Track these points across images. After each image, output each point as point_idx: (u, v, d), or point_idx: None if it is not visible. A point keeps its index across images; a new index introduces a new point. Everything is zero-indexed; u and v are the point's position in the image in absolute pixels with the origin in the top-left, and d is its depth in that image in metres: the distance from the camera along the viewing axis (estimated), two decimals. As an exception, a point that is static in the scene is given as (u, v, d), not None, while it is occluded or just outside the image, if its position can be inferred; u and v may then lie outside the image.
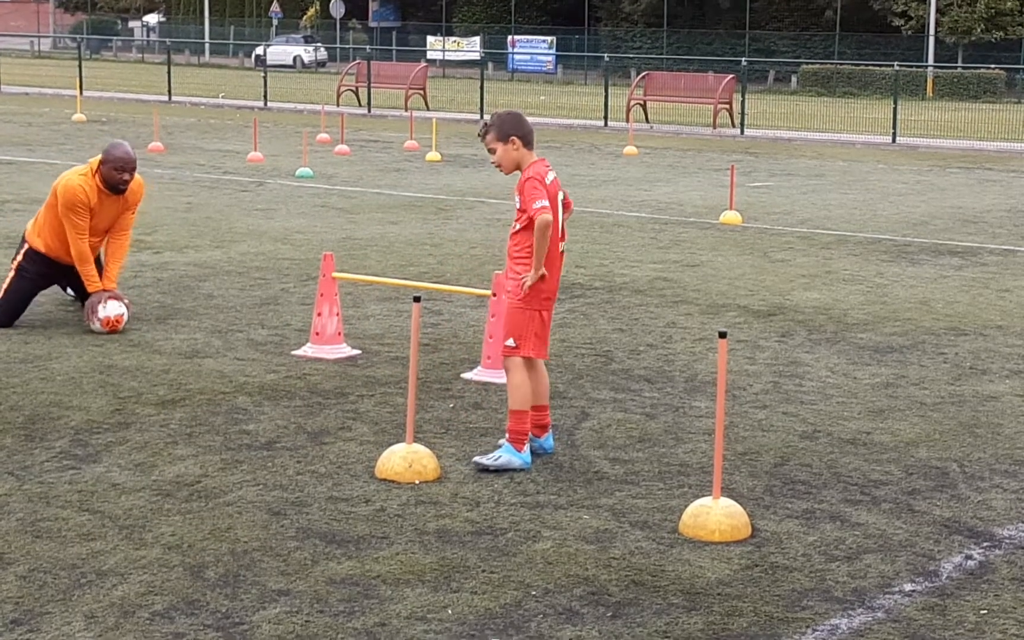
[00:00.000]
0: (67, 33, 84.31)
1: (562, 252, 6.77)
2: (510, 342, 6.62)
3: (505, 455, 6.58)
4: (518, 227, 6.64)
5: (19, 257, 9.65)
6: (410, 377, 6.50)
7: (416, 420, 6.77)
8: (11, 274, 9.56)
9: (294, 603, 4.97)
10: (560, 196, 6.77)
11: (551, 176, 6.72)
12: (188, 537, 5.57)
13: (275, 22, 77.69)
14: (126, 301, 9.52)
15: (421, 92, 38.83)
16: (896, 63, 39.32)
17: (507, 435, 6.66)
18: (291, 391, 7.93)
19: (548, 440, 6.84)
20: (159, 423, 7.21)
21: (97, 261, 9.60)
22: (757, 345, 9.47)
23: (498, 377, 8.21)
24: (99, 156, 9.47)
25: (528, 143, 6.70)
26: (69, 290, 9.98)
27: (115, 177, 9.34)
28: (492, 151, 6.72)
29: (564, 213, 6.83)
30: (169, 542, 5.52)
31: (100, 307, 9.21)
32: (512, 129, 6.65)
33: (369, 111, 37.04)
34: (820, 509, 6.13)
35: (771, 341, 9.61)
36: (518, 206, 6.63)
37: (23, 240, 9.75)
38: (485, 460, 6.58)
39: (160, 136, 24.97)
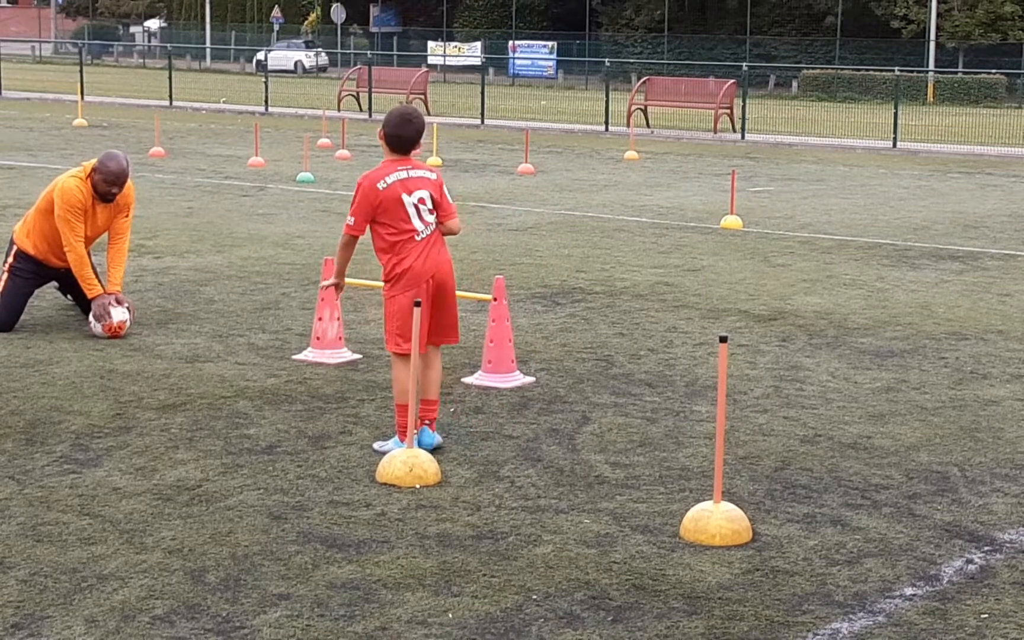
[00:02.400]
0: (68, 38, 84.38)
1: (422, 239, 6.82)
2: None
3: (389, 444, 6.88)
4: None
5: (9, 259, 9.67)
6: (411, 382, 6.51)
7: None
8: (4, 276, 9.58)
9: (295, 607, 4.97)
10: (421, 193, 6.79)
11: (396, 177, 6.77)
12: (189, 541, 5.58)
13: (276, 27, 77.76)
14: (129, 305, 9.52)
15: (422, 97, 38.85)
16: (897, 68, 39.35)
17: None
18: (292, 395, 7.93)
19: (424, 435, 6.85)
20: (160, 427, 7.21)
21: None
22: (758, 349, 9.47)
23: (499, 382, 8.22)
24: (93, 161, 9.48)
25: (392, 145, 6.83)
26: (69, 296, 9.99)
27: (104, 188, 9.37)
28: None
29: (440, 214, 6.91)
30: (170, 546, 5.52)
31: (108, 312, 9.22)
32: (385, 125, 6.86)
33: (370, 116, 37.04)
34: (821, 513, 6.13)
35: (772, 345, 9.61)
36: None
37: (11, 243, 9.78)
38: (376, 444, 6.92)
39: (161, 141, 24.98)
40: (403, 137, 6.81)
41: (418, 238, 6.80)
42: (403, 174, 6.80)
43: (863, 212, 18.02)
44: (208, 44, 76.20)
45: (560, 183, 20.96)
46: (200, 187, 19.06)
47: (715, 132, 33.04)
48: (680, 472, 6.68)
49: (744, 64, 38.72)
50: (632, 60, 60.76)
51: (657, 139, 31.67)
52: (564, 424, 7.47)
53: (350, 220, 6.80)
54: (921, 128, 33.96)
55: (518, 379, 8.35)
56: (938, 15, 56.00)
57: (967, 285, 12.38)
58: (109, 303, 9.30)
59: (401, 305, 6.74)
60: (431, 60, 64.90)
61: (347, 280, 9.54)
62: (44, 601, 4.96)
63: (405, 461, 6.40)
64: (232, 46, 75.27)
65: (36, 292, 9.86)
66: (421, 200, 6.79)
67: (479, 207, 17.46)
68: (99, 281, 9.46)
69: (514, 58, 65.03)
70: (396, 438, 6.91)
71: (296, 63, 68.15)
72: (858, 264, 13.47)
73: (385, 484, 6.35)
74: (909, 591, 5.28)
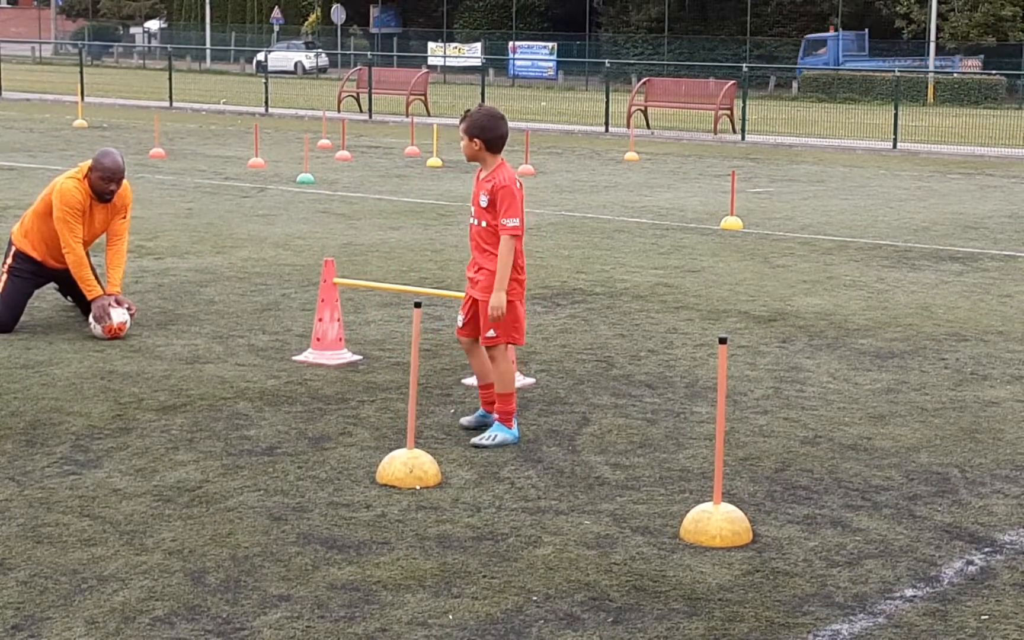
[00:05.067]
0: (69, 39, 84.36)
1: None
2: (491, 333, 7.02)
3: (500, 434, 7.03)
4: (484, 224, 7.01)
5: (8, 260, 9.67)
6: (411, 383, 6.51)
7: (417, 426, 6.78)
8: (3, 277, 9.57)
9: (295, 608, 4.97)
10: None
11: (518, 177, 7.12)
12: (189, 542, 5.58)
13: (276, 28, 77.77)
14: (129, 305, 9.52)
15: (422, 98, 38.85)
16: (897, 69, 39.33)
17: (497, 417, 7.10)
18: (292, 396, 7.93)
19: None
20: (160, 429, 7.21)
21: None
22: (758, 351, 9.47)
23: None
24: (88, 162, 9.48)
25: (492, 147, 7.04)
26: (69, 298, 9.98)
27: (101, 186, 9.37)
28: (461, 139, 7.12)
29: None
30: (170, 547, 5.52)
31: (108, 314, 9.22)
32: (478, 132, 7.01)
33: (370, 117, 37.06)
34: (821, 514, 6.13)
35: (772, 347, 9.61)
36: (484, 205, 6.99)
37: (10, 244, 9.79)
38: (483, 440, 7.02)
39: (161, 142, 24.98)
40: (504, 134, 7.06)
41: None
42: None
43: (863, 213, 18.02)
44: (208, 45, 76.20)
45: (560, 184, 20.96)
46: (200, 188, 19.06)
47: (715, 133, 33.04)
48: (680, 473, 6.68)
49: (744, 65, 38.73)
50: (632, 61, 60.74)
51: (657, 140, 31.67)
52: (564, 425, 7.47)
53: (515, 221, 6.88)
54: (921, 129, 33.96)
55: (518, 380, 8.34)
56: (939, 16, 56.00)
57: (967, 286, 12.38)
58: (109, 304, 9.30)
59: (521, 300, 7.10)
60: (431, 61, 64.89)
61: (346, 281, 9.56)
62: (44, 602, 4.96)
63: (405, 462, 6.40)
64: (232, 47, 75.29)
65: (36, 293, 9.86)
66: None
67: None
68: (99, 282, 9.46)
69: (514, 59, 65.03)
70: (500, 424, 7.09)
71: (296, 64, 68.17)
72: (858, 265, 13.47)
73: (385, 485, 6.35)
74: (909, 592, 5.28)
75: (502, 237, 6.88)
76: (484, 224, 6.99)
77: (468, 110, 7.16)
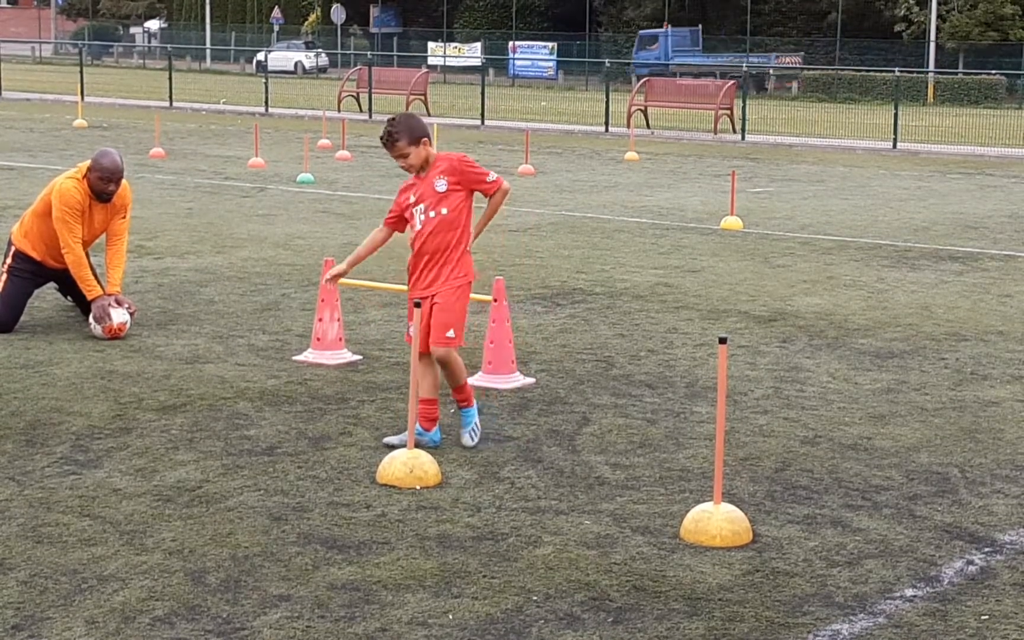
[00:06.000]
0: (68, 39, 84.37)
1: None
2: (451, 333, 6.90)
3: (473, 420, 7.02)
4: (445, 212, 6.95)
5: (8, 260, 9.68)
6: (411, 382, 6.51)
7: (416, 425, 6.77)
8: (3, 277, 9.58)
9: (295, 608, 4.97)
10: None
11: None
12: (189, 542, 5.58)
13: (276, 28, 77.77)
14: (129, 305, 9.52)
15: (422, 98, 38.86)
16: (897, 69, 39.37)
17: (460, 404, 7.04)
18: (292, 396, 7.93)
19: (438, 433, 7.04)
20: (160, 428, 7.21)
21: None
22: (758, 350, 9.47)
23: (500, 382, 8.22)
24: (88, 162, 9.49)
25: (431, 141, 7.15)
26: (69, 298, 9.99)
27: (100, 186, 9.37)
28: (404, 156, 7.02)
29: None
30: (170, 547, 5.52)
31: (108, 314, 9.22)
32: (422, 131, 7.06)
33: (370, 117, 37.04)
34: (821, 514, 6.13)
35: (772, 346, 9.61)
36: (443, 190, 6.98)
37: (9, 244, 9.80)
38: (471, 440, 6.99)
39: (161, 142, 24.98)
40: None
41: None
42: None
43: (863, 213, 18.02)
44: (208, 45, 76.20)
45: (560, 184, 20.96)
46: (200, 188, 19.05)
47: (715, 133, 33.04)
48: (680, 473, 6.68)
49: (744, 64, 38.71)
50: (632, 61, 60.74)
51: (657, 140, 31.67)
52: (564, 425, 7.47)
53: (495, 173, 7.13)
54: (921, 129, 33.97)
55: (518, 380, 8.35)
56: (938, 16, 56.01)
57: (967, 286, 12.38)
58: (109, 304, 9.30)
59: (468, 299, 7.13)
60: (431, 61, 64.91)
61: (347, 281, 9.54)
62: (44, 602, 4.96)
63: (405, 462, 6.40)
64: (232, 47, 75.28)
65: (36, 293, 9.86)
66: None
67: (478, 208, 17.41)
68: (99, 282, 9.47)
69: (514, 59, 65.03)
70: (467, 410, 7.03)
71: (296, 64, 68.16)
72: (858, 265, 13.47)
73: (385, 485, 6.35)
74: (909, 592, 5.28)
75: (499, 189, 7.10)
76: (445, 211, 6.95)
77: (389, 130, 6.97)
